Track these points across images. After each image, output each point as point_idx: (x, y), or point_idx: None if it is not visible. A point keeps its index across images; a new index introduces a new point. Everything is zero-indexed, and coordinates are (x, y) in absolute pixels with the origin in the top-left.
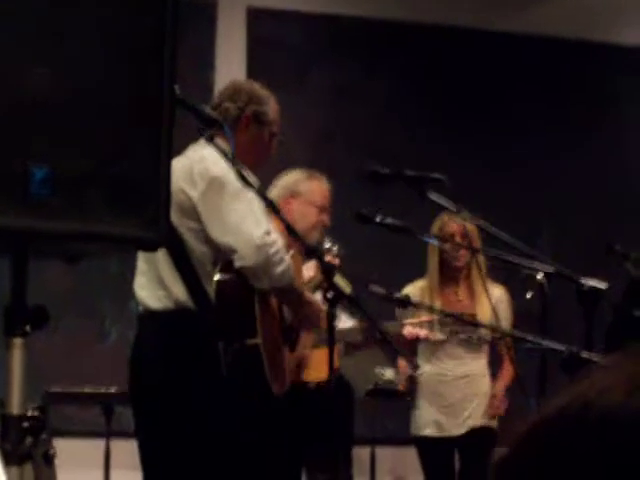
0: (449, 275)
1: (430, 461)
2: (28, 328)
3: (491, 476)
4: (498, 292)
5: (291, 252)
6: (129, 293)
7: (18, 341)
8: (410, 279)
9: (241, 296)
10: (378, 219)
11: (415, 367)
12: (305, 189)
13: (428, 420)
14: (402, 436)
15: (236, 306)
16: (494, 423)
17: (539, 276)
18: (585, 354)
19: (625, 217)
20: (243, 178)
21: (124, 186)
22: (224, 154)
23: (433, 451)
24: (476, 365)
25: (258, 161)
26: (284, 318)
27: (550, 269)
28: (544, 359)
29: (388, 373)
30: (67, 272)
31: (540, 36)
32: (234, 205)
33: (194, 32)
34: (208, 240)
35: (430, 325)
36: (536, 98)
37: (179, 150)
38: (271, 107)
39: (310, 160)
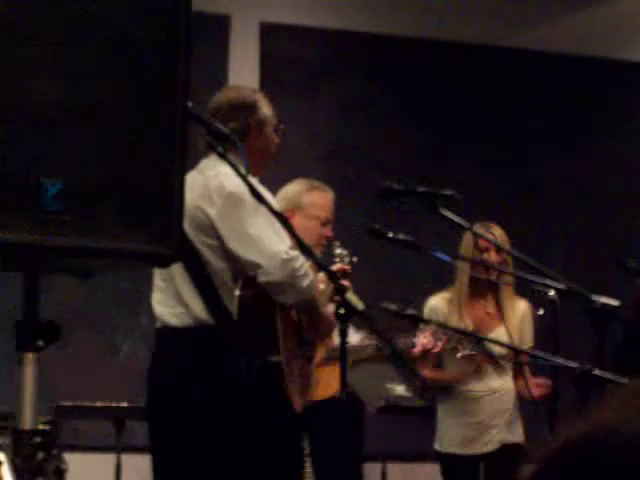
0: (477, 288)
1: (455, 478)
2: (40, 343)
3: None
4: (523, 306)
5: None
6: (140, 308)
7: (30, 356)
8: (421, 294)
9: (263, 312)
10: (390, 234)
11: (424, 382)
12: (307, 202)
13: (455, 436)
14: (413, 452)
15: (258, 322)
16: (521, 439)
17: (551, 293)
18: (597, 372)
19: (637, 233)
20: (256, 194)
21: (137, 201)
22: (237, 170)
23: (459, 468)
24: (503, 381)
25: (269, 160)
26: (303, 332)
27: (561, 286)
28: (556, 376)
29: (399, 389)
30: (78, 286)
31: (550, 53)
32: (254, 220)
33: (207, 47)
34: (228, 256)
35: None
36: (547, 115)
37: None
38: (263, 105)
39: (320, 173)
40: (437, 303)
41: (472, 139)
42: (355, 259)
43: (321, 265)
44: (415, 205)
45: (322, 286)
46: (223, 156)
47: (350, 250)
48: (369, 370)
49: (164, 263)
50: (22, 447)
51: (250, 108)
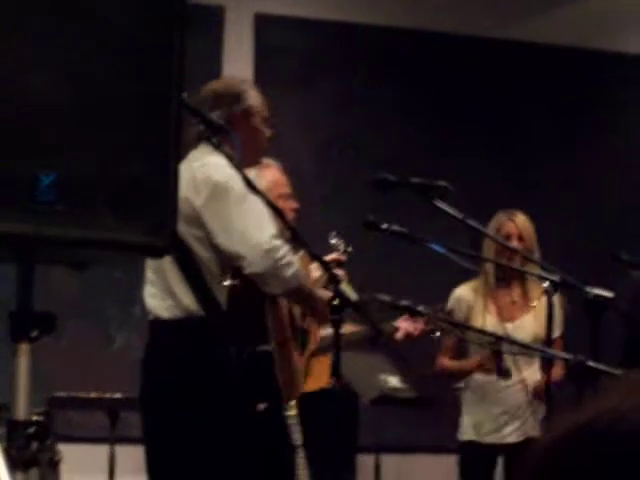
0: (503, 277)
1: (476, 467)
2: (34, 334)
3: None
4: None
5: (300, 253)
6: (134, 298)
7: (24, 347)
8: (418, 287)
9: (252, 302)
10: (385, 226)
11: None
12: (265, 186)
13: (477, 425)
14: (407, 444)
15: (247, 312)
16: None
17: (545, 284)
18: (592, 363)
19: (631, 226)
20: (250, 184)
21: (130, 192)
22: (231, 160)
23: (477, 457)
24: (530, 371)
25: (259, 152)
26: (295, 320)
27: (556, 277)
28: (549, 367)
29: (393, 380)
30: (72, 277)
31: (547, 44)
32: (238, 211)
33: (201, 38)
34: (214, 247)
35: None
36: (543, 107)
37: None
38: (251, 95)
39: (315, 165)
40: (462, 292)
41: (472, 131)
42: (350, 249)
43: (314, 255)
44: (409, 196)
45: (316, 274)
46: (218, 147)
47: (345, 241)
48: (363, 361)
49: (159, 254)
50: (16, 438)
51: (235, 97)
